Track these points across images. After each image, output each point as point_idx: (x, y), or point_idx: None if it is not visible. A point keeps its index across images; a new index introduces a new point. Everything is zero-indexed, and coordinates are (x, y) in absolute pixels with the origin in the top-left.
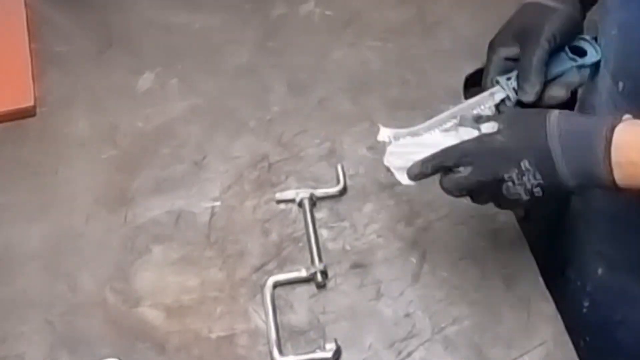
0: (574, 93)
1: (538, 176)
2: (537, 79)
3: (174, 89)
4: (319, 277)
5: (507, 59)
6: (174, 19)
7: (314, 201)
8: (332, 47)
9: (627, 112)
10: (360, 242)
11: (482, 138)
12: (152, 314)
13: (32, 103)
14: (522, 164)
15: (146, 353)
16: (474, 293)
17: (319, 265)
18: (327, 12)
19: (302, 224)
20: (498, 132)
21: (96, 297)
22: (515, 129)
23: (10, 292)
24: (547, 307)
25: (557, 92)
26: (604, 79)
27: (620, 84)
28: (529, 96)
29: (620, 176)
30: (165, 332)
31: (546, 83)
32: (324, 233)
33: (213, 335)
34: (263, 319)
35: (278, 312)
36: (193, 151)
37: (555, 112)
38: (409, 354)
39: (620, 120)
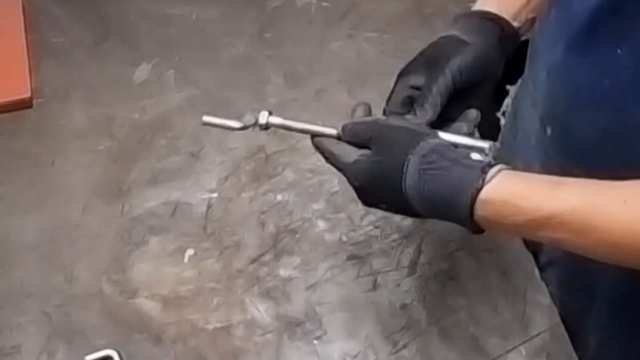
0: None
1: (393, 210)
2: (430, 108)
3: (171, 80)
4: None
5: (412, 87)
6: (171, 10)
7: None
8: (328, 38)
9: (555, 157)
10: (356, 233)
11: (360, 159)
12: (148, 305)
13: (28, 94)
14: (380, 206)
15: (143, 344)
16: (470, 284)
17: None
18: (324, 3)
19: (299, 215)
20: (367, 158)
21: (93, 289)
22: (380, 163)
23: (7, 284)
24: (543, 298)
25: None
26: (533, 123)
27: (549, 129)
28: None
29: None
30: (162, 323)
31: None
32: (320, 224)
33: (210, 327)
34: (259, 310)
35: (274, 302)
36: (189, 142)
37: (424, 146)
38: (405, 345)
39: (484, 182)
